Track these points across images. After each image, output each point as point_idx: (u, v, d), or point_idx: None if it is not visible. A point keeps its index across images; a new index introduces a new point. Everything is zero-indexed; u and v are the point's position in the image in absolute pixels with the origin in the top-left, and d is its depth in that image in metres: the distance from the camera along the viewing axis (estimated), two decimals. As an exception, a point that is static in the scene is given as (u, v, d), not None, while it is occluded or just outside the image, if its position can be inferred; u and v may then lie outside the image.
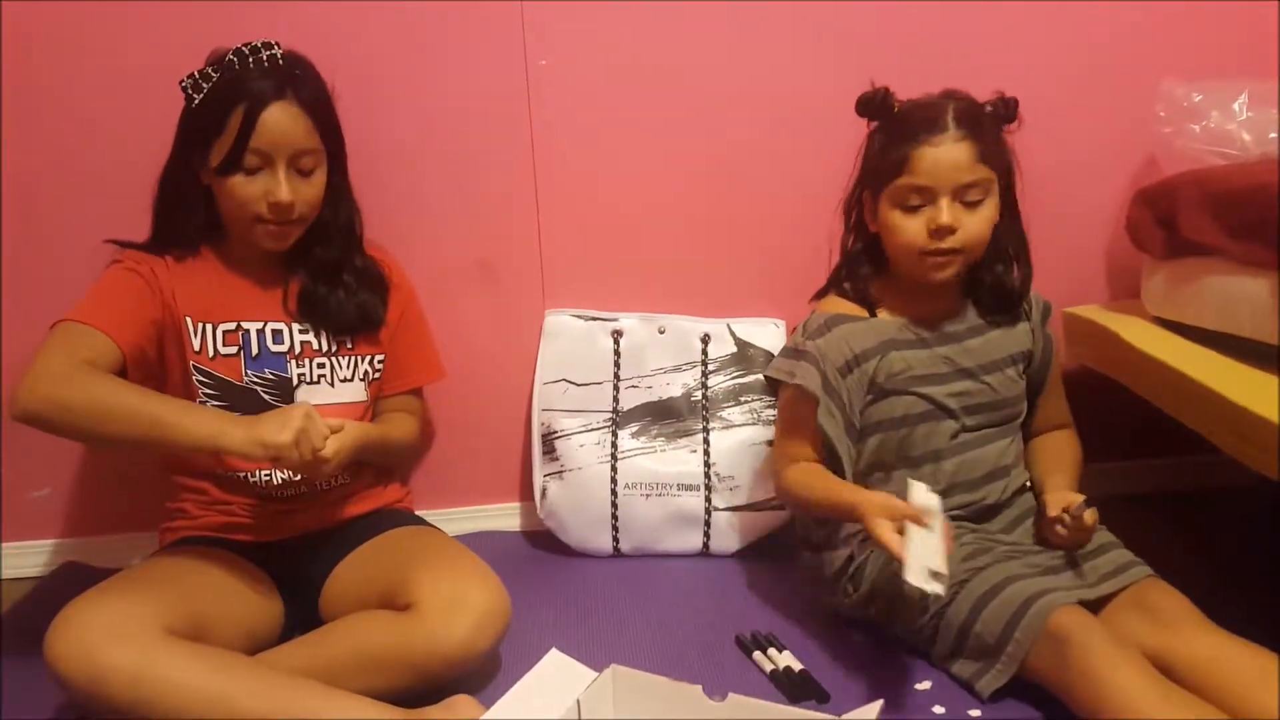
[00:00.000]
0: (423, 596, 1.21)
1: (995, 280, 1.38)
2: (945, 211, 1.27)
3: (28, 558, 1.74)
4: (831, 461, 1.35)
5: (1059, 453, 1.44)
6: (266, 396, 1.38)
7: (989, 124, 1.30)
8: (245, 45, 1.30)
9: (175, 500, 1.42)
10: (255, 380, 1.38)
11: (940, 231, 1.28)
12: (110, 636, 1.09)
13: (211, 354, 1.36)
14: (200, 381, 1.35)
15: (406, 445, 1.56)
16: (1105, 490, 1.77)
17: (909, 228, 1.30)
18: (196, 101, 1.30)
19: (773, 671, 1.29)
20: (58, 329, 1.24)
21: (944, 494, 1.34)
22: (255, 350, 1.38)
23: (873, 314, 1.39)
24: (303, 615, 1.37)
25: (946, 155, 1.26)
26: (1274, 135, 1.47)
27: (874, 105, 1.34)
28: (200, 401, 1.35)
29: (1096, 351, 1.61)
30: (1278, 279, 1.28)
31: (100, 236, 1.39)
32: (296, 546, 1.40)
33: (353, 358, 1.45)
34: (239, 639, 1.23)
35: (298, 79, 1.31)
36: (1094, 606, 1.20)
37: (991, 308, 1.40)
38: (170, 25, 1.54)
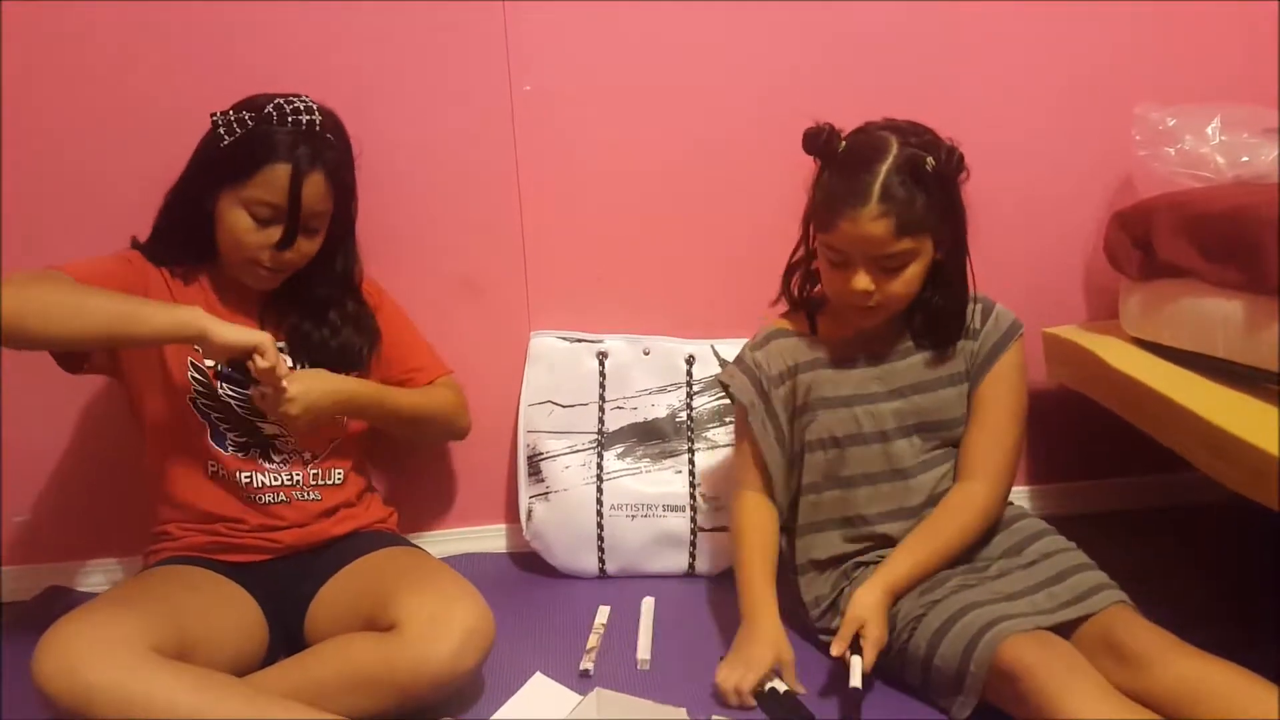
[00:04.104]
0: (407, 616, 1.21)
1: (929, 314, 1.37)
2: (860, 278, 1.29)
3: (9, 583, 1.72)
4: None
5: (939, 515, 1.34)
6: (240, 410, 1.39)
7: (929, 181, 1.25)
8: (283, 99, 1.32)
9: (159, 523, 1.42)
10: (229, 394, 1.39)
11: (854, 295, 1.30)
12: (96, 654, 1.09)
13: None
14: (194, 378, 1.37)
15: (426, 412, 1.54)
16: (1083, 508, 1.80)
17: (833, 279, 1.33)
18: (227, 141, 1.31)
19: (757, 693, 1.29)
20: None
21: (886, 521, 1.36)
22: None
23: (814, 331, 1.43)
24: (288, 638, 1.36)
25: (864, 231, 1.25)
26: (1246, 159, 1.50)
27: (818, 144, 1.31)
28: (190, 399, 1.37)
29: (1075, 371, 1.62)
30: (1250, 300, 1.30)
31: (98, 241, 1.40)
32: (281, 568, 1.40)
33: None
34: (224, 660, 1.23)
35: (329, 145, 1.34)
36: (1063, 632, 1.19)
37: (923, 334, 1.39)
38: (163, 33, 1.55)
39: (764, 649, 1.27)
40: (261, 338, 1.24)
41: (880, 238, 1.25)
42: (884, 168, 1.24)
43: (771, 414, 1.40)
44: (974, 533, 1.34)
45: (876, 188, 1.24)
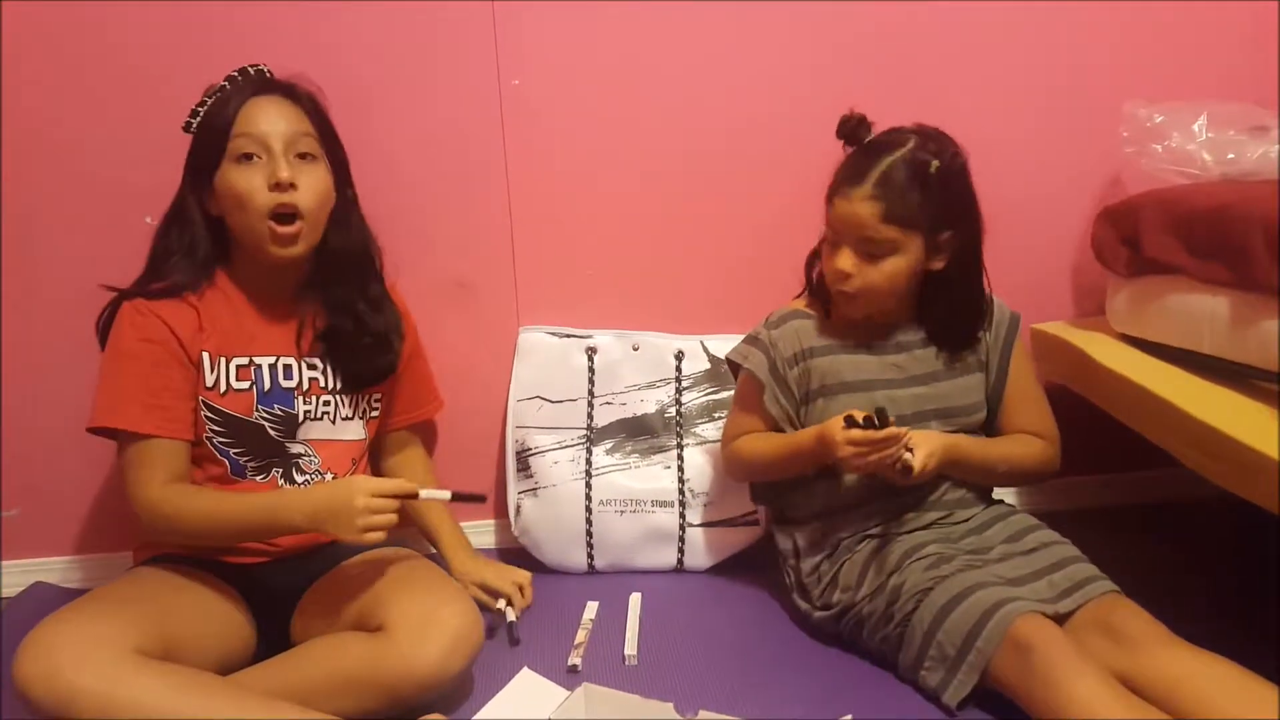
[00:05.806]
0: (395, 618, 1.21)
1: (943, 320, 1.41)
2: (843, 257, 1.33)
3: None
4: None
5: (1004, 438, 1.44)
6: (273, 432, 1.37)
7: (930, 183, 1.29)
8: (234, 71, 1.34)
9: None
10: (264, 416, 1.37)
11: (835, 274, 1.34)
12: (79, 658, 1.08)
13: (224, 389, 1.34)
14: (208, 418, 1.34)
15: None
16: (1070, 503, 1.81)
17: (827, 259, 1.37)
18: (197, 125, 1.32)
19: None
20: (127, 454, 1.29)
21: (905, 501, 1.38)
22: (267, 385, 1.37)
23: (828, 315, 1.44)
24: (275, 637, 1.36)
25: (852, 212, 1.30)
26: (1232, 156, 1.50)
27: (848, 129, 1.36)
28: (206, 437, 1.34)
29: (1063, 367, 1.63)
30: (1236, 297, 1.31)
31: (100, 250, 1.39)
32: (269, 567, 1.39)
33: (354, 395, 1.45)
34: (210, 659, 1.22)
35: (290, 86, 1.35)
36: (1057, 621, 1.20)
37: (938, 340, 1.43)
38: (154, 36, 1.55)
39: None
40: (362, 536, 1.23)
41: (865, 219, 1.30)
42: (891, 159, 1.30)
43: (787, 392, 1.42)
44: (1027, 464, 1.41)
45: (875, 172, 1.29)
